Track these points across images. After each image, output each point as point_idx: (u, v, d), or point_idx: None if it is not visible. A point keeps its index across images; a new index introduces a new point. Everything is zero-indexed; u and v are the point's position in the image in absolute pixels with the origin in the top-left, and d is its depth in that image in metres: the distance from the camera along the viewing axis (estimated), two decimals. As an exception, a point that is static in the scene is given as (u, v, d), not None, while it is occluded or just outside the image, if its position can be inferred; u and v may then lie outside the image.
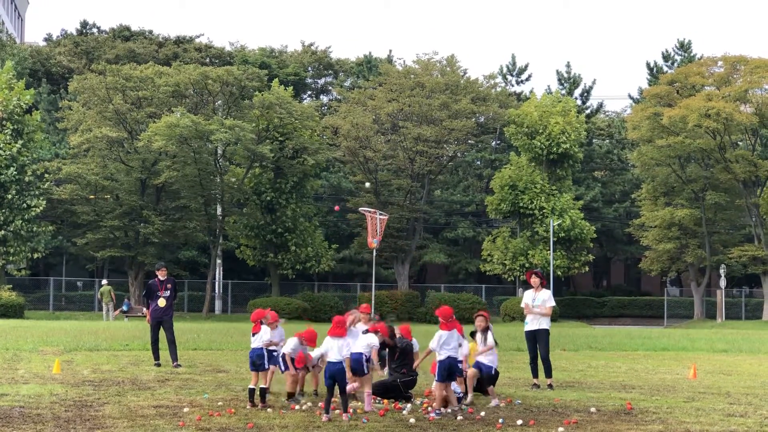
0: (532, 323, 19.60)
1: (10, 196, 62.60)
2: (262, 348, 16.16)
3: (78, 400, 16.12)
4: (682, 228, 72.00)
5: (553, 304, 19.65)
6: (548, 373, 19.57)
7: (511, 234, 73.79)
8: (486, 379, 17.42)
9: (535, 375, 19.58)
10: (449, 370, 15.67)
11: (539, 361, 19.54)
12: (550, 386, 19.31)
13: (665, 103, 71.62)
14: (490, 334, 17.77)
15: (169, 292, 23.26)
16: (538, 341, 19.53)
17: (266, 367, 16.07)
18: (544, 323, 19.56)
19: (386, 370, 17.81)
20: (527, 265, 70.54)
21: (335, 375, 14.60)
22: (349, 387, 15.26)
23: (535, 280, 19.61)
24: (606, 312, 78.05)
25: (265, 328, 16.41)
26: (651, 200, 74.09)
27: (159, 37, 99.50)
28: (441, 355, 15.80)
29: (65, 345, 29.51)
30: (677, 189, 73.38)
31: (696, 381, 21.52)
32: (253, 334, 16.42)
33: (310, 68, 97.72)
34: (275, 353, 16.56)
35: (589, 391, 19.02)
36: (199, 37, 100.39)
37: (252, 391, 15.83)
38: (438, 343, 15.80)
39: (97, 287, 72.00)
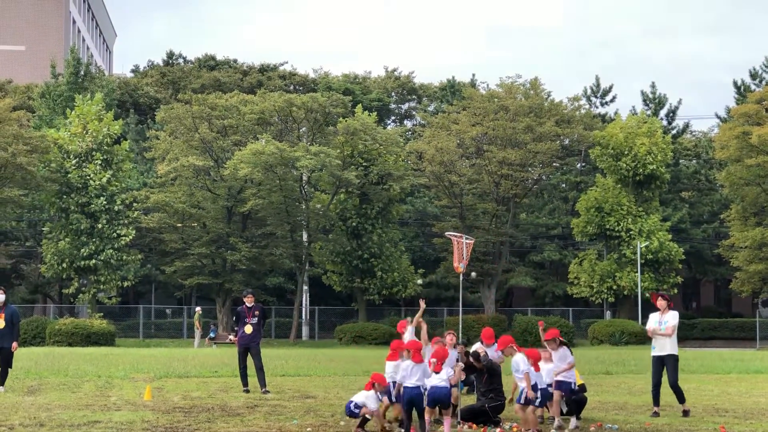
0: (659, 348, 18.95)
1: (100, 226, 63.55)
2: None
3: (169, 426, 16.27)
4: (773, 248, 70.77)
5: (675, 323, 18.93)
6: (681, 399, 18.88)
7: (598, 256, 73.18)
8: (571, 399, 17.29)
9: (656, 403, 18.89)
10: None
11: (662, 389, 18.90)
12: (686, 413, 18.65)
13: (754, 121, 70.53)
14: (565, 351, 17.59)
15: (256, 319, 23.35)
16: (666, 367, 18.86)
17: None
18: (672, 348, 18.88)
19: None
20: (614, 287, 69.89)
21: (413, 399, 14.62)
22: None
23: (661, 303, 18.91)
24: (696, 334, 76.83)
25: (366, 394, 16.10)
26: (740, 220, 72.89)
27: (243, 66, 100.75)
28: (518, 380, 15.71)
29: (155, 372, 29.81)
30: (767, 209, 72.15)
31: (791, 404, 21.11)
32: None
33: (393, 94, 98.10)
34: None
35: (681, 414, 18.72)
36: (283, 65, 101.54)
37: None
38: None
39: (185, 315, 72.93)
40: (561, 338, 17.69)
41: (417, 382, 14.80)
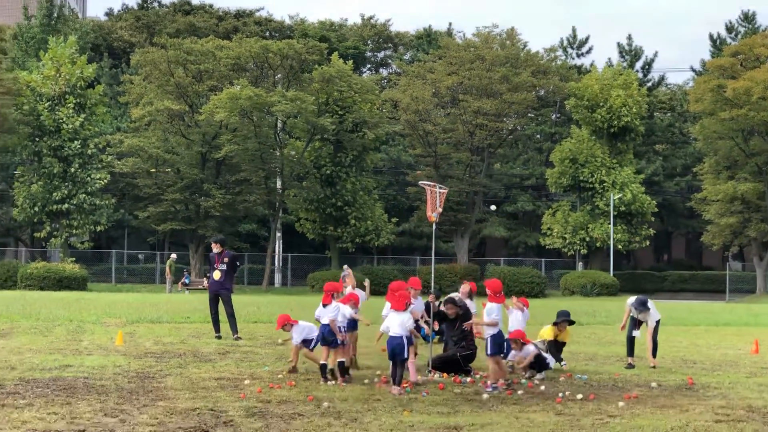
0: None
1: (73, 170, 63.24)
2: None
3: (140, 371, 16.27)
4: (745, 202, 71.05)
5: (658, 317, 18.84)
6: (654, 353, 18.63)
7: (572, 208, 73.41)
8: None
9: (630, 353, 18.65)
10: (501, 343, 15.43)
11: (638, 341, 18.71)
12: (653, 367, 18.51)
13: (729, 75, 70.54)
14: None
15: (225, 265, 23.11)
16: (647, 325, 18.65)
17: (339, 342, 15.81)
18: (656, 316, 18.69)
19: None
20: (587, 239, 70.18)
21: (396, 349, 14.52)
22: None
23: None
24: (667, 286, 77.40)
25: (336, 305, 16.07)
26: (713, 174, 73.13)
27: (219, 11, 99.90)
28: (494, 330, 15.42)
29: (127, 317, 29.78)
30: (740, 162, 72.34)
31: (758, 356, 21.28)
32: (324, 305, 16.22)
33: (369, 42, 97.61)
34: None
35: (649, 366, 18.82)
36: (259, 10, 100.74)
37: (324, 367, 15.71)
38: (489, 316, 15.49)
39: (158, 260, 72.85)
40: (525, 339, 17.26)
41: (399, 331, 14.66)
